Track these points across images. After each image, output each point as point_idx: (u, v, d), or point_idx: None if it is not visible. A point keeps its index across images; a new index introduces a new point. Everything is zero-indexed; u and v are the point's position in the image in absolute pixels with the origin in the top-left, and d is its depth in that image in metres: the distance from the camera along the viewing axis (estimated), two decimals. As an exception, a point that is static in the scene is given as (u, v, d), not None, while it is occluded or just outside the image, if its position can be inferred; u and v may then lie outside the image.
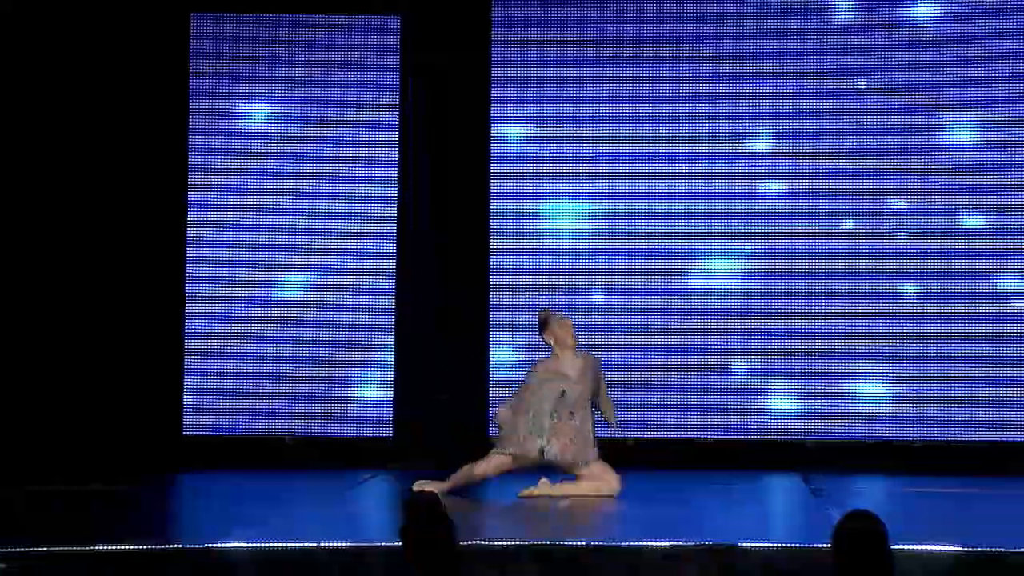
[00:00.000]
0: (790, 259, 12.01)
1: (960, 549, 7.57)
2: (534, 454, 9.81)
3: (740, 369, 12.00)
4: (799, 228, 12.03)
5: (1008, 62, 11.91)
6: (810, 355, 11.98)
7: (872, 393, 11.94)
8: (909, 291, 11.95)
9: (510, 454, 9.86)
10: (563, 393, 9.82)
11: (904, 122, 11.96)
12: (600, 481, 9.86)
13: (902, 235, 11.95)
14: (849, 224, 12.00)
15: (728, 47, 12.06)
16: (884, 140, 11.98)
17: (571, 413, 9.84)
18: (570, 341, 9.93)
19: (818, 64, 12.03)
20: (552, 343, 9.97)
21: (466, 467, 9.97)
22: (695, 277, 12.06)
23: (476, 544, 7.59)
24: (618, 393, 11.85)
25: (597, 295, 12.10)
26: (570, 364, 9.90)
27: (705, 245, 12.06)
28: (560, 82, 12.13)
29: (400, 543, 4.98)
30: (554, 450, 9.81)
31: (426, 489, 9.64)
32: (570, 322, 10.03)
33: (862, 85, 11.98)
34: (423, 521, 4.94)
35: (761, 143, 12.05)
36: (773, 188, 12.04)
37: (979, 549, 7.58)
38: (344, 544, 7.69)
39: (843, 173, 12.00)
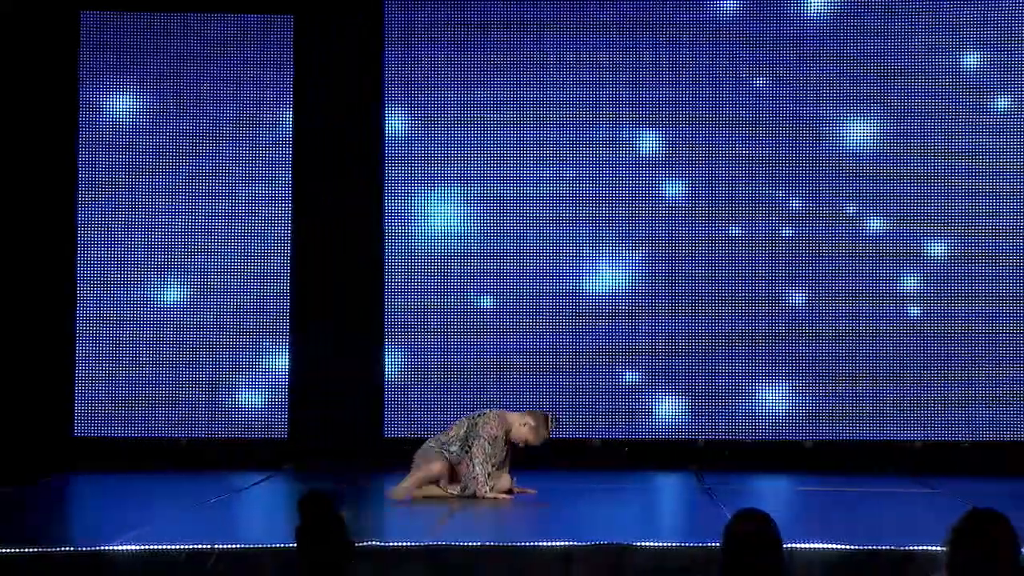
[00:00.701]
0: (682, 258, 12.08)
1: (847, 547, 7.66)
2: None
3: (632, 369, 12.05)
4: (689, 229, 12.10)
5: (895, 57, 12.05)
6: (704, 355, 12.05)
7: (765, 393, 12.03)
8: (796, 293, 12.05)
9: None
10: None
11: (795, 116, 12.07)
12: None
13: (789, 233, 12.05)
14: (735, 229, 12.08)
15: (627, 37, 12.12)
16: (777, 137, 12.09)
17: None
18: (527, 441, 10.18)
19: (713, 55, 12.09)
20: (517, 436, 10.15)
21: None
22: (592, 279, 12.11)
23: (370, 544, 7.59)
24: (510, 392, 11.91)
25: (487, 298, 12.12)
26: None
27: (597, 247, 12.10)
28: (453, 73, 12.14)
29: (295, 543, 4.96)
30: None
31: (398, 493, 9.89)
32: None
33: (758, 81, 12.07)
34: (316, 520, 4.94)
35: (653, 141, 12.13)
36: (670, 187, 12.10)
37: (865, 548, 7.68)
38: (235, 546, 7.67)
39: (733, 173, 12.07)
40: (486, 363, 12.03)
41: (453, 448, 10.07)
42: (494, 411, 10.24)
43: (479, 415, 10.18)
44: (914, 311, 12.02)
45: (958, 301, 11.99)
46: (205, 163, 12.17)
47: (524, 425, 10.09)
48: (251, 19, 12.20)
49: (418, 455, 10.16)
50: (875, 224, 12.03)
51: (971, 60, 12.00)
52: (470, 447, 10.04)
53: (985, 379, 11.96)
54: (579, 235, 12.11)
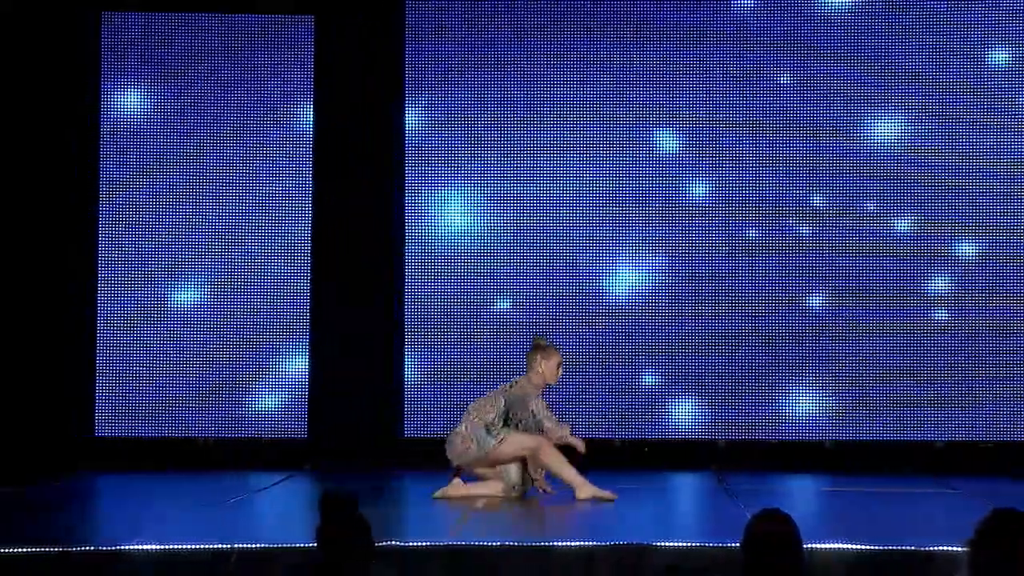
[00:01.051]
0: (701, 259, 12.07)
1: (866, 548, 7.66)
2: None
3: (652, 370, 12.04)
4: (709, 230, 12.09)
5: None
6: (723, 355, 12.04)
7: (785, 394, 12.02)
8: (816, 294, 12.04)
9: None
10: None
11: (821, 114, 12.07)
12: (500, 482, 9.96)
13: (808, 232, 12.03)
14: (754, 230, 12.07)
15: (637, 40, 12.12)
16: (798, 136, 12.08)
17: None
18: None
19: (733, 55, 12.09)
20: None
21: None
22: (612, 279, 12.11)
23: (389, 544, 7.60)
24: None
25: (506, 298, 12.12)
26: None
27: (616, 248, 12.10)
28: (472, 73, 12.15)
29: (315, 543, 4.97)
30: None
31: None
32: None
33: (783, 79, 12.06)
34: (337, 521, 4.95)
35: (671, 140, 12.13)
36: (689, 187, 12.10)
37: (886, 548, 7.68)
38: (256, 546, 7.68)
39: (752, 173, 12.06)
40: (504, 363, 12.02)
41: (501, 433, 9.97)
42: (517, 379, 10.16)
43: (510, 385, 10.07)
44: (934, 311, 12.00)
45: (979, 301, 11.97)
46: (225, 163, 12.19)
47: (546, 363, 10.03)
48: (272, 19, 12.22)
49: (470, 456, 9.99)
50: (897, 223, 12.01)
51: (998, 57, 11.97)
52: (518, 415, 9.95)
53: (1007, 379, 11.93)
54: (598, 235, 12.11)
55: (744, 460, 11.91)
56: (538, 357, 10.03)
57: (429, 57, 12.17)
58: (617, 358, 12.07)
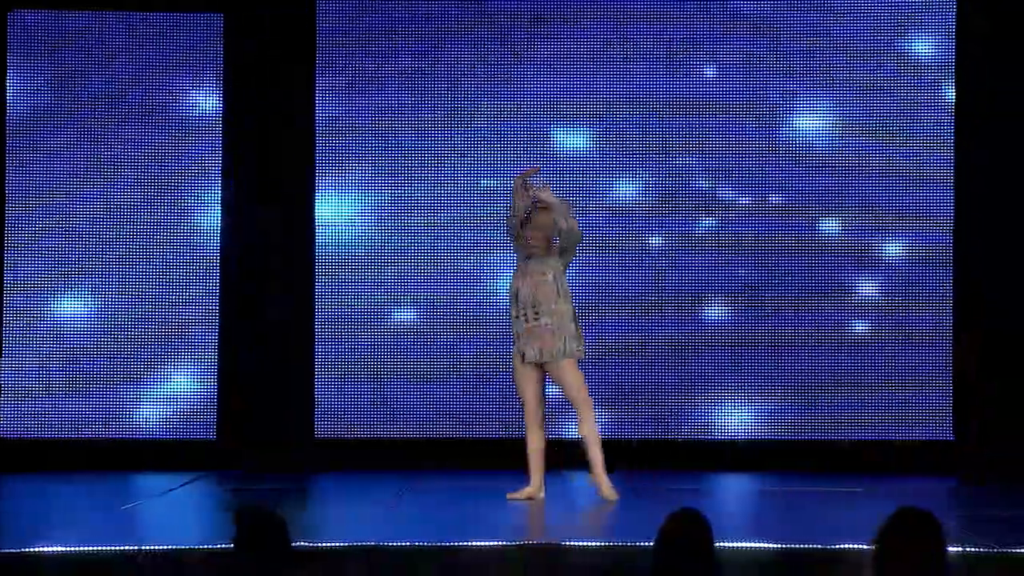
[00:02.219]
0: (612, 258, 12.11)
1: (777, 546, 7.72)
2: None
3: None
4: (627, 228, 12.14)
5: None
6: (633, 356, 12.08)
7: (700, 393, 12.08)
8: (726, 294, 12.12)
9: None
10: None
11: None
12: None
13: (717, 230, 12.12)
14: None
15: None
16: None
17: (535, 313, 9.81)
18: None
19: (650, 43, 12.15)
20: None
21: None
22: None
23: (308, 546, 7.58)
24: (438, 393, 11.93)
25: (419, 298, 12.12)
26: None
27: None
28: (386, 73, 12.14)
29: (230, 544, 4.96)
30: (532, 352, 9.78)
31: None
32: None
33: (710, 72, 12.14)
34: (253, 523, 4.94)
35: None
36: (605, 185, 12.14)
37: (796, 547, 7.75)
38: (163, 547, 7.64)
39: (663, 168, 12.13)
40: (417, 363, 12.02)
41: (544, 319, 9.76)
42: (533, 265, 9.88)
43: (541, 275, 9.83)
44: (843, 311, 12.09)
45: (893, 302, 12.08)
46: (133, 161, 12.09)
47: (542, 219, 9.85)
48: (181, 17, 12.14)
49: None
50: (808, 221, 12.10)
51: (918, 47, 12.11)
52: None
53: (914, 379, 12.04)
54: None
55: (657, 459, 11.96)
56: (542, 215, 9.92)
57: (341, 56, 12.14)
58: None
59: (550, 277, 9.78)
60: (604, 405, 11.48)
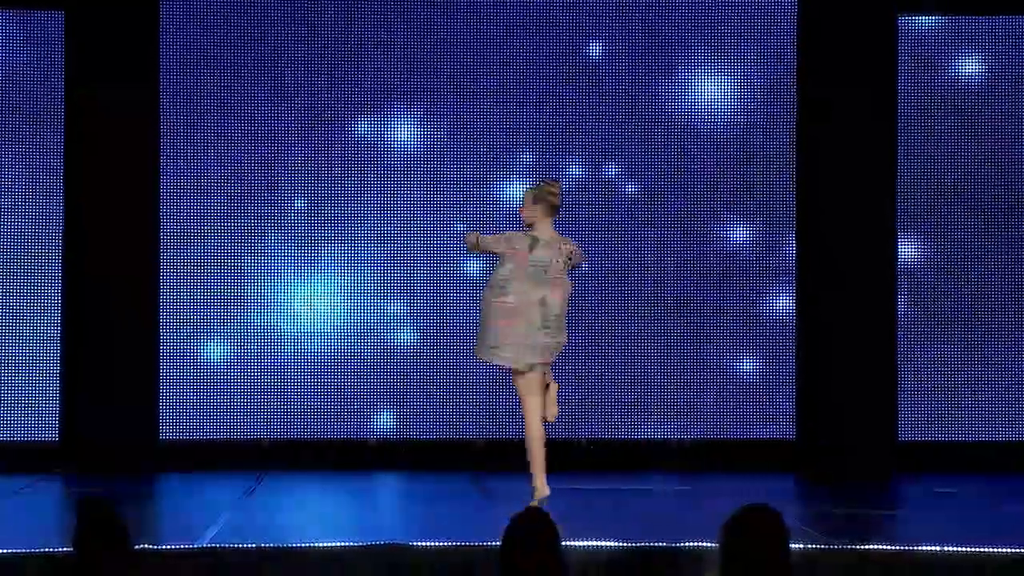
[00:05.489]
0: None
1: (620, 544, 7.78)
2: None
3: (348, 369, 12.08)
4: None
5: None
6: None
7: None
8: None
9: None
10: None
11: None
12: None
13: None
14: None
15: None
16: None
17: None
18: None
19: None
20: None
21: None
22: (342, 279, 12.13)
23: (147, 547, 7.52)
24: (283, 396, 11.88)
25: (261, 303, 12.06)
26: None
27: (361, 245, 12.13)
28: (231, 68, 12.07)
29: (71, 548, 4.91)
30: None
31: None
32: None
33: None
34: (95, 525, 4.89)
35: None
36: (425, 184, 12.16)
37: (639, 545, 7.82)
38: (3, 551, 7.54)
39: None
40: (263, 368, 11.97)
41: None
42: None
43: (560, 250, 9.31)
44: (665, 301, 12.18)
45: (719, 294, 12.22)
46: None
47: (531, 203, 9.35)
48: (21, 14, 11.98)
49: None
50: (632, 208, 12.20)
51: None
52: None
53: (751, 376, 12.20)
54: (352, 234, 12.09)
55: (502, 460, 11.99)
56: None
57: (184, 52, 12.04)
58: (335, 360, 12.07)
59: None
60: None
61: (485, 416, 12.09)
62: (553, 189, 9.28)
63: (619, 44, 12.17)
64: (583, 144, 12.17)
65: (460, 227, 11.82)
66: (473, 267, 11.99)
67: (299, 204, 12.09)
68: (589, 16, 12.16)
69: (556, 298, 9.19)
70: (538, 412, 9.34)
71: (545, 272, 9.17)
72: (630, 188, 12.17)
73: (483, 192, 12.11)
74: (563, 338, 9.31)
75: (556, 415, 9.48)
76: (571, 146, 12.15)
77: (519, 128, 12.15)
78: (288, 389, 11.99)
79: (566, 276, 9.27)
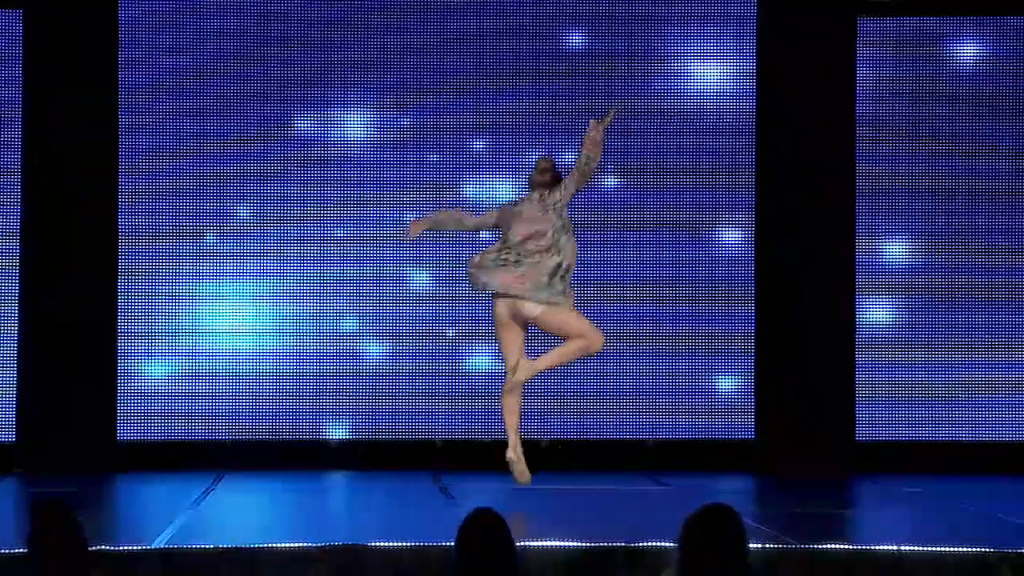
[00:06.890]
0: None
1: (579, 544, 7.78)
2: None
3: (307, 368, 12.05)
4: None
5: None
6: (434, 353, 12.11)
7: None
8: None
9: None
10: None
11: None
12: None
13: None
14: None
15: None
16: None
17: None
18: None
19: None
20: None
21: None
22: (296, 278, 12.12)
23: (104, 548, 7.48)
24: (247, 398, 11.86)
25: (224, 303, 12.04)
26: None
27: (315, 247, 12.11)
28: (192, 65, 12.05)
29: (26, 549, 4.89)
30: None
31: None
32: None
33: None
34: (50, 526, 4.87)
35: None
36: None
37: (598, 545, 7.82)
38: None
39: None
40: (220, 369, 11.95)
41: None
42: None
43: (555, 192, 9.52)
44: (634, 307, 12.21)
45: (680, 299, 12.24)
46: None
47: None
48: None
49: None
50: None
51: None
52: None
53: (717, 377, 12.23)
54: (308, 234, 12.07)
55: (461, 460, 11.99)
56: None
57: (144, 53, 12.00)
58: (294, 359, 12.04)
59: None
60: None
61: (444, 416, 12.09)
62: (538, 165, 9.65)
63: (600, 37, 12.19)
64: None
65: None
66: (430, 266, 12.00)
67: (256, 203, 12.06)
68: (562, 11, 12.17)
69: (518, 234, 9.40)
70: (508, 356, 9.55)
71: (521, 215, 9.46)
72: (602, 186, 12.15)
73: (443, 191, 12.10)
74: (531, 276, 9.38)
75: (522, 380, 9.70)
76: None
77: (485, 125, 12.16)
78: (246, 390, 11.97)
79: (550, 215, 9.41)
